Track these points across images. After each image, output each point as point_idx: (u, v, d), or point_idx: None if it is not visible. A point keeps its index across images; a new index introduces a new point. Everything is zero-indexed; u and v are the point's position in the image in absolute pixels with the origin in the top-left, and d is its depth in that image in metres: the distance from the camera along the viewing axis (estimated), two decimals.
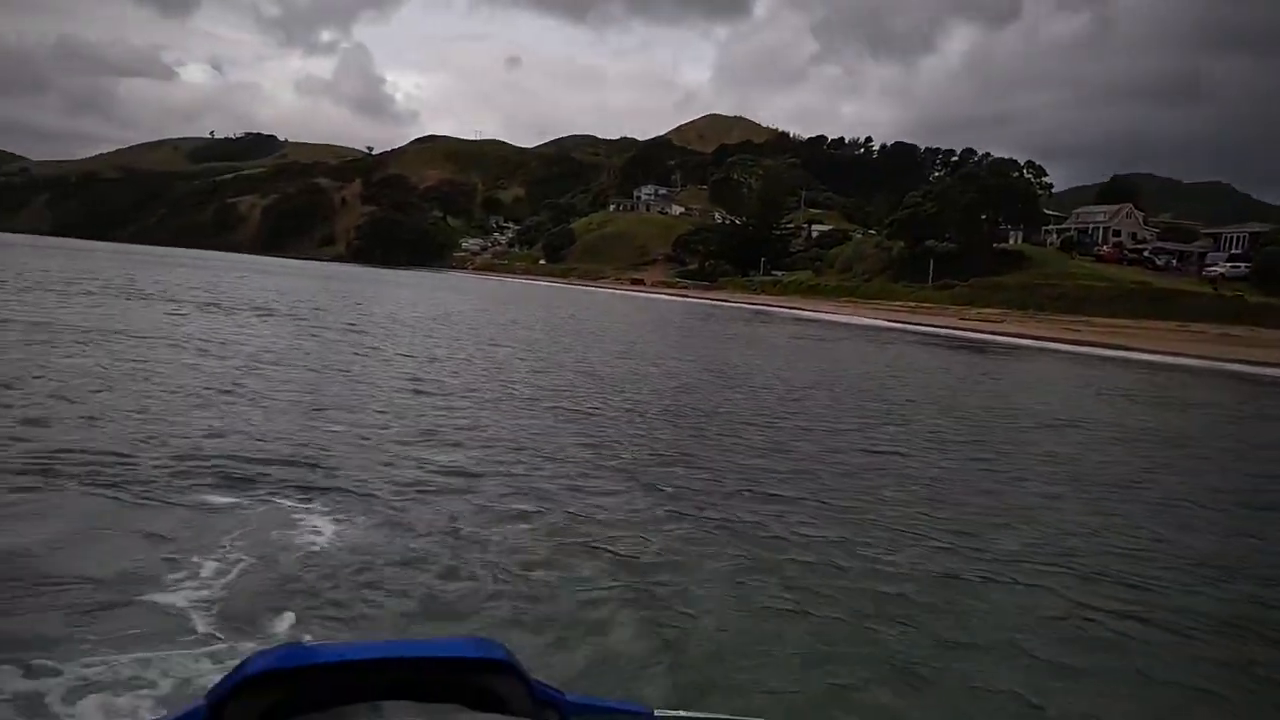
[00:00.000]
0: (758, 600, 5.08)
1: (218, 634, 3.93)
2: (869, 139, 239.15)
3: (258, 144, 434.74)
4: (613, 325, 35.71)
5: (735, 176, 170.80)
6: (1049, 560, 6.43)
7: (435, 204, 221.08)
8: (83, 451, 6.93)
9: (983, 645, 4.77)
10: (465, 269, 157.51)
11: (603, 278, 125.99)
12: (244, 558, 4.87)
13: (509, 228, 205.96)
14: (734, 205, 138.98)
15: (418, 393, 12.30)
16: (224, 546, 5.00)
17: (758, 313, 62.82)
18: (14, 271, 34.67)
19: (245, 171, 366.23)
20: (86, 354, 13.19)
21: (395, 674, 0.80)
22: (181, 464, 6.84)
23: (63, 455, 6.74)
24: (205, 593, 4.36)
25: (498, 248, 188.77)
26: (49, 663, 3.39)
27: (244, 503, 6.02)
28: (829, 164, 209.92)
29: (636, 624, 4.56)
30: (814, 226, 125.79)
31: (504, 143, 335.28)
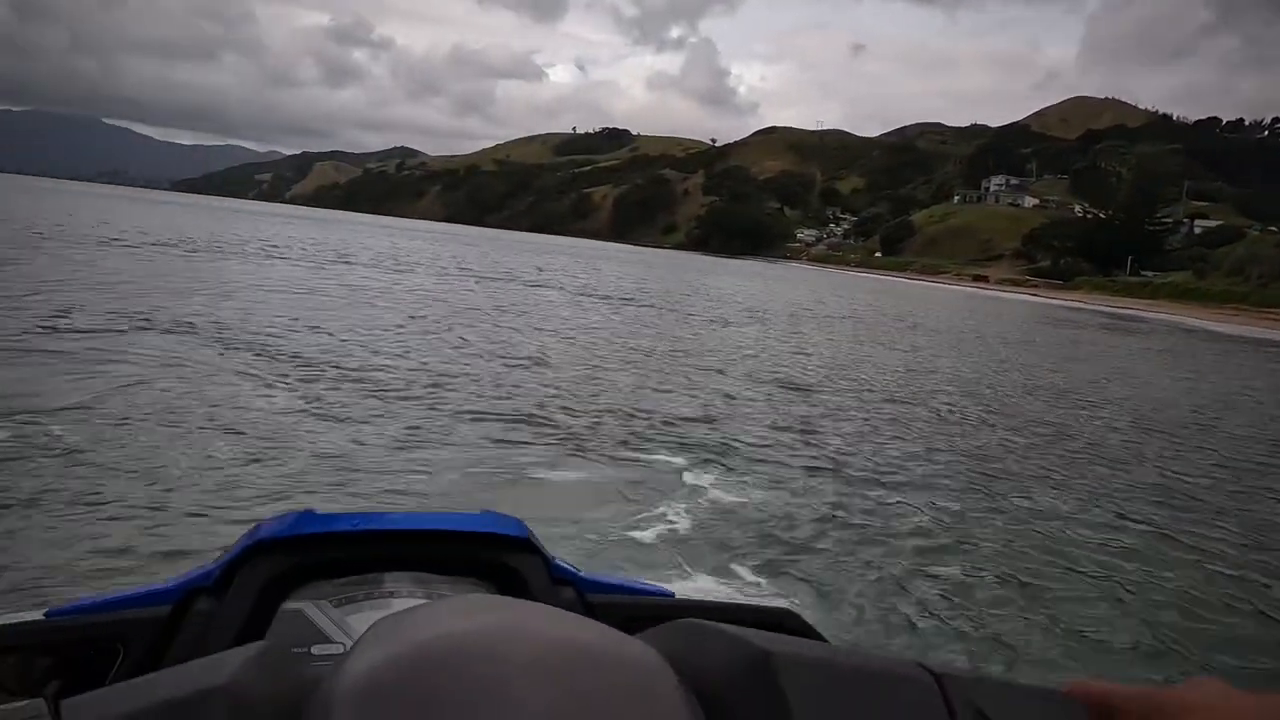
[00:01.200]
0: None
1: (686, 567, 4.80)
2: (1276, 120, 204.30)
3: (613, 138, 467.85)
4: (963, 324, 34.31)
5: (1103, 165, 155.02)
6: None
7: (773, 194, 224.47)
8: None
9: None
10: (799, 260, 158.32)
11: (942, 273, 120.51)
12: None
13: (845, 219, 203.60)
14: (1099, 197, 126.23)
15: (782, 386, 12.86)
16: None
17: (1123, 318, 56.75)
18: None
19: (601, 163, 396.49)
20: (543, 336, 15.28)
21: (410, 546, 0.79)
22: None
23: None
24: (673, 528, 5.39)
25: (832, 239, 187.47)
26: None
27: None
28: (1221, 150, 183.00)
29: None
30: (1197, 222, 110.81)
31: (845, 132, 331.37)
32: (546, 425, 7.91)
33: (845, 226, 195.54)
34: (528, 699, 0.34)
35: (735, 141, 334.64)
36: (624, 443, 7.60)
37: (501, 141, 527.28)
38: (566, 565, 0.83)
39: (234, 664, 0.35)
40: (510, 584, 0.78)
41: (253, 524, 0.77)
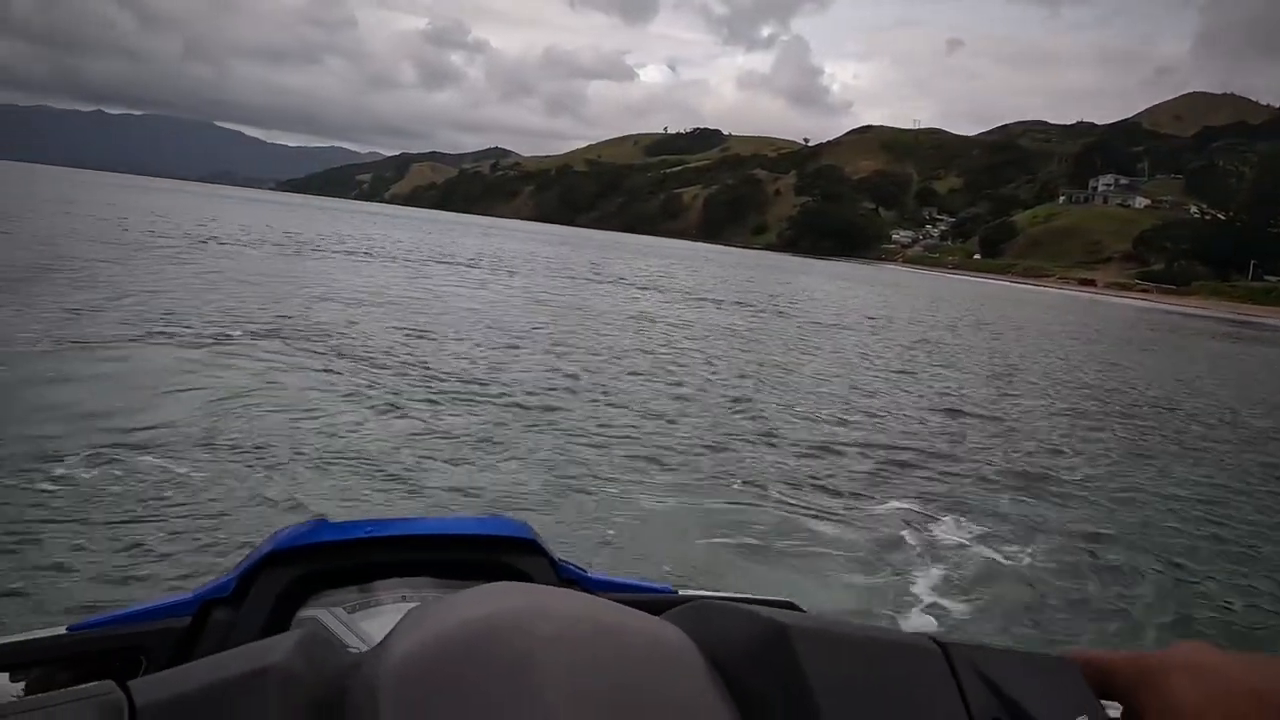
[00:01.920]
0: None
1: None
2: None
3: (703, 138, 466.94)
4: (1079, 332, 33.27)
5: (1221, 164, 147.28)
6: None
7: (867, 195, 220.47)
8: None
9: None
10: (894, 261, 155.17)
11: (1046, 276, 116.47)
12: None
13: (942, 220, 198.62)
14: (1218, 198, 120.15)
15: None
16: None
17: (1245, 324, 53.95)
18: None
19: (691, 164, 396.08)
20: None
21: (420, 551, 0.80)
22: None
23: None
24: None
25: (929, 240, 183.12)
26: None
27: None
28: None
29: None
30: None
31: (942, 131, 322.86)
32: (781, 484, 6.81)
33: (942, 227, 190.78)
34: (558, 670, 0.35)
35: (828, 141, 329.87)
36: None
37: (593, 142, 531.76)
38: (572, 566, 0.85)
39: (284, 647, 0.37)
40: None
41: (270, 533, 0.79)
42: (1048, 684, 0.46)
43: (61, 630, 0.68)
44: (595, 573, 0.85)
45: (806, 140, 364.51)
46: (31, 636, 0.67)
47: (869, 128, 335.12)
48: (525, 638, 0.37)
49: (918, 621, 4.43)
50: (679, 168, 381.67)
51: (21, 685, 0.66)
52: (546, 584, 0.79)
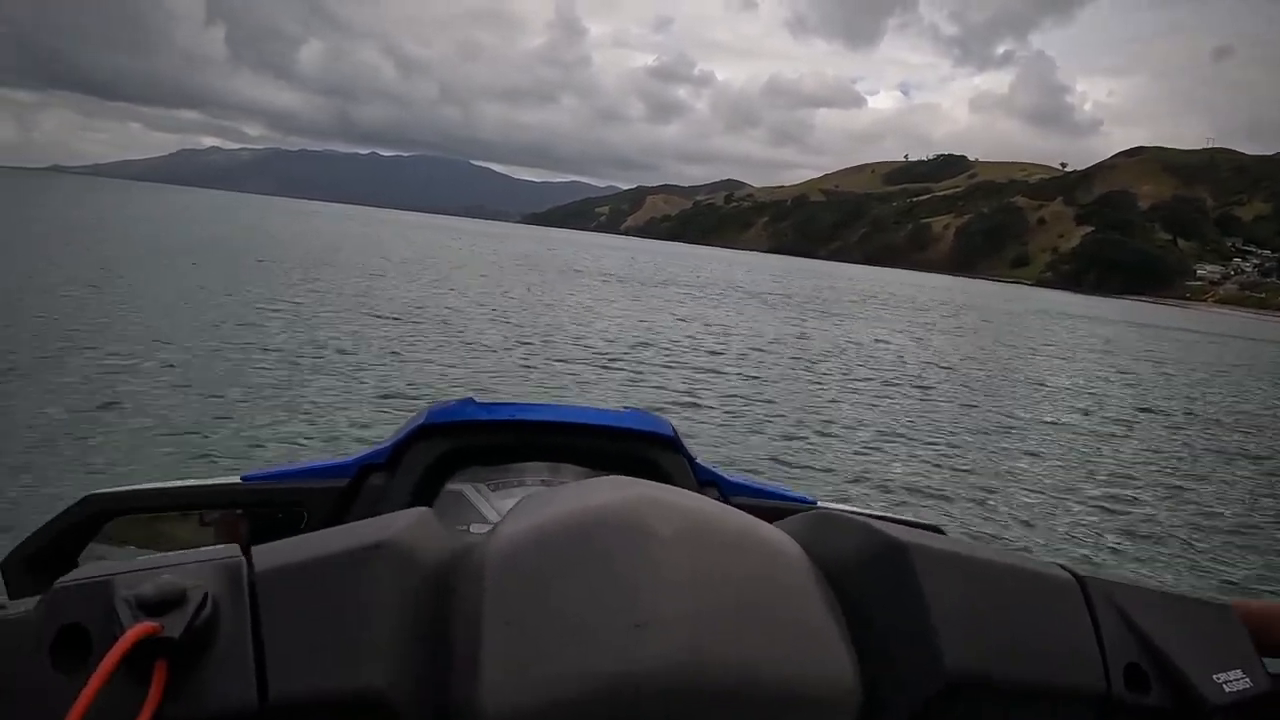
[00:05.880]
0: None
1: None
2: None
3: (946, 165, 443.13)
4: None
5: None
6: None
7: (1159, 224, 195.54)
8: None
9: None
10: (1202, 302, 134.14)
11: None
12: None
13: (1252, 252, 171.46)
14: None
15: None
16: None
17: None
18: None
19: (938, 192, 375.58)
20: None
21: (563, 438, 0.81)
22: None
23: None
24: None
25: (1242, 276, 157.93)
26: None
27: None
28: None
29: None
30: None
31: (1234, 151, 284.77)
32: None
33: (1255, 261, 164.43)
34: (664, 565, 0.35)
35: (1096, 165, 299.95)
36: None
37: (825, 172, 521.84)
38: (711, 467, 0.85)
39: (401, 523, 0.38)
40: (655, 479, 0.68)
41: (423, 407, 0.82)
42: (1199, 631, 0.42)
43: (237, 479, 0.74)
44: (734, 476, 0.85)
45: (1064, 165, 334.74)
46: (214, 482, 0.74)
47: (1142, 149, 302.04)
48: (628, 531, 0.36)
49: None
50: (925, 196, 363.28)
51: (199, 523, 0.75)
52: (684, 481, 0.80)
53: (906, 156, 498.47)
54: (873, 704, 0.36)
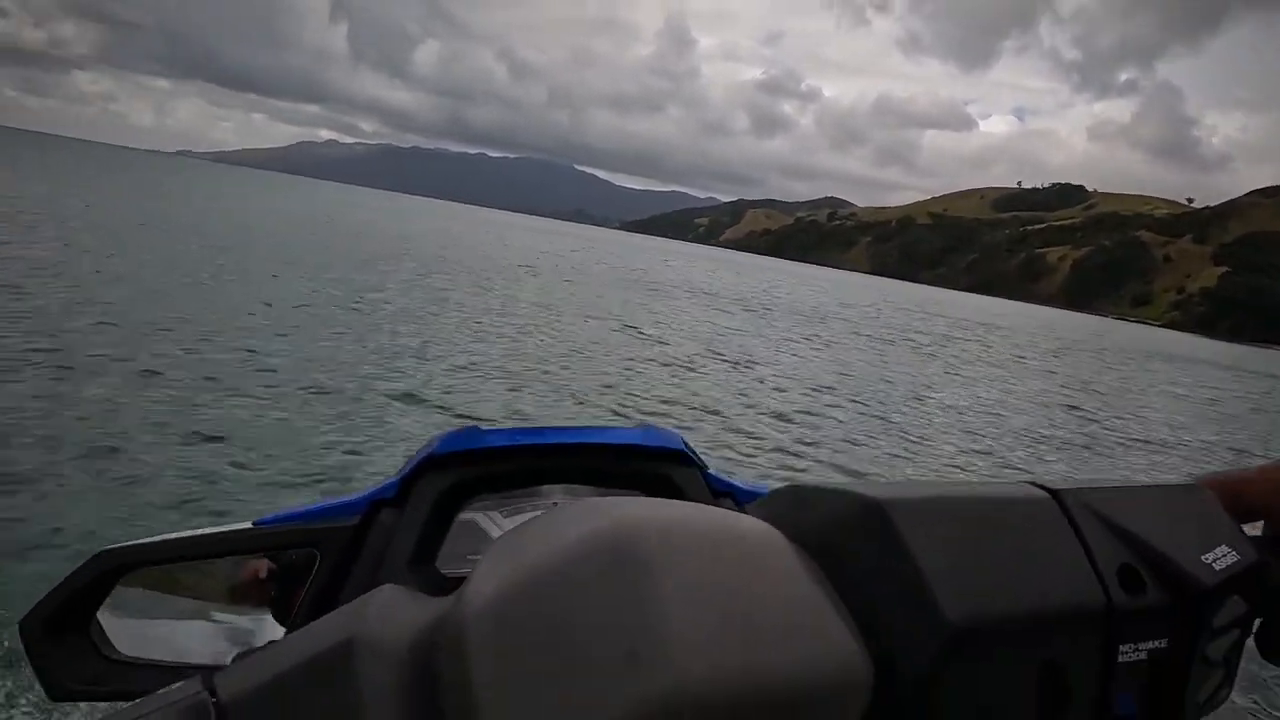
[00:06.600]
0: None
1: None
2: None
3: (1062, 194, 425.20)
4: None
5: None
6: None
7: None
8: None
9: None
10: None
11: None
12: None
13: None
14: None
15: None
16: None
17: None
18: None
19: (1054, 222, 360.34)
20: None
21: (573, 460, 0.81)
22: None
23: None
24: None
25: None
26: None
27: None
28: None
29: None
30: None
31: None
32: None
33: None
34: (644, 588, 0.33)
35: (1228, 202, 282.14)
36: None
37: (933, 195, 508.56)
38: (724, 477, 0.85)
39: (369, 610, 0.36)
40: (668, 495, 0.79)
41: (427, 440, 0.82)
42: (1178, 516, 0.43)
43: (249, 525, 0.75)
44: (749, 483, 0.85)
45: (1190, 200, 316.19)
46: (226, 529, 0.74)
47: (1278, 188, 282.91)
48: (603, 562, 0.34)
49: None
50: (1039, 225, 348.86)
51: (218, 569, 0.77)
52: (698, 494, 0.80)
53: (1019, 183, 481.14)
54: (884, 676, 0.35)
